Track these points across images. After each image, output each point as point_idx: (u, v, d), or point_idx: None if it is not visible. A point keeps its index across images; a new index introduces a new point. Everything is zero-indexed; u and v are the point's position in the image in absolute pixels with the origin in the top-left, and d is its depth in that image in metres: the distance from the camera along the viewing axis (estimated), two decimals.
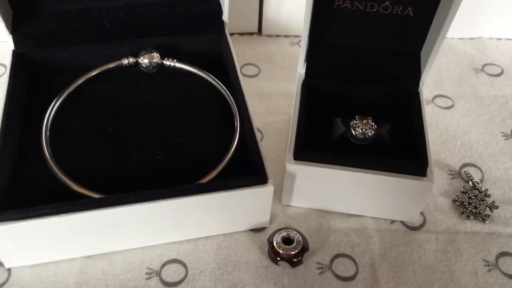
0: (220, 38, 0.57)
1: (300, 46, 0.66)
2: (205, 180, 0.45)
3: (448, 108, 0.61)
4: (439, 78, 0.64)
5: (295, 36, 0.69)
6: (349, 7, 0.51)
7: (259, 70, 0.64)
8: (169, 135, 0.50)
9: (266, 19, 0.68)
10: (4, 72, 0.62)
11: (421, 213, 0.50)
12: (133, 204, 0.42)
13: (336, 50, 0.54)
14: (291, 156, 0.47)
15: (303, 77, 0.53)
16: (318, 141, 0.50)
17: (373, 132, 0.48)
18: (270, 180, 0.45)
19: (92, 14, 0.56)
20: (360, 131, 0.48)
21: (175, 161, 0.49)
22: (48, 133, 0.48)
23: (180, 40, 0.57)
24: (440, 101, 0.62)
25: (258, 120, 0.56)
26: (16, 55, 0.53)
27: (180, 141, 0.50)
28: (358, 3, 0.50)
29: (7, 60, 0.53)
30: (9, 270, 0.44)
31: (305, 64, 0.53)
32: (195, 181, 0.45)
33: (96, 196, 0.43)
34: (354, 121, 0.49)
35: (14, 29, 0.54)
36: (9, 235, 0.41)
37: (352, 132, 0.49)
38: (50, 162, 0.46)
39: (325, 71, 0.53)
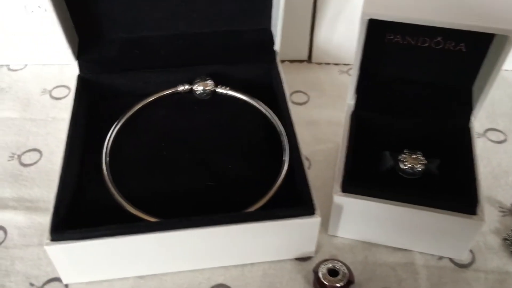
0: (271, 67, 0.59)
1: (349, 75, 0.68)
2: (254, 208, 0.46)
3: (500, 142, 0.60)
4: (492, 111, 0.63)
5: (345, 64, 0.70)
6: (400, 42, 0.51)
7: (308, 97, 0.65)
8: (219, 161, 0.52)
9: (316, 47, 0.69)
10: (68, 94, 0.65)
11: (470, 250, 0.50)
12: (186, 229, 0.43)
13: (387, 83, 0.54)
14: (338, 187, 0.47)
15: (352, 108, 0.54)
16: (366, 173, 0.50)
17: (422, 167, 0.48)
18: (317, 212, 0.45)
19: (150, 42, 0.59)
20: (409, 165, 0.48)
21: (224, 188, 0.50)
22: (108, 156, 0.51)
23: (233, 68, 0.59)
24: (492, 135, 0.61)
25: (305, 147, 0.57)
26: (81, 80, 0.57)
27: (230, 168, 0.52)
28: (410, 38, 0.51)
29: (71, 83, 0.57)
30: (66, 286, 0.47)
31: (355, 95, 0.54)
32: (243, 208, 0.46)
33: (151, 219, 0.45)
34: (403, 155, 0.49)
35: (79, 54, 0.58)
36: (68, 253, 0.43)
37: (400, 166, 0.49)
38: (109, 184, 0.48)
39: (374, 103, 0.53)
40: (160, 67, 0.58)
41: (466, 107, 0.52)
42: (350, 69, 0.68)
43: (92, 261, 0.45)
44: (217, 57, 0.59)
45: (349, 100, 0.55)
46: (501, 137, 0.60)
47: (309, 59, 0.70)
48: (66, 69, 0.68)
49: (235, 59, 0.59)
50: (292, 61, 0.70)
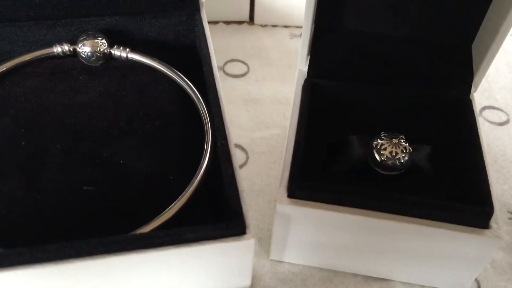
0: (192, 20, 0.42)
1: (300, 38, 0.52)
2: (149, 227, 0.29)
3: (502, 124, 0.45)
4: (487, 85, 0.48)
5: (297, 26, 0.54)
6: None
7: (248, 68, 0.49)
8: (107, 154, 0.35)
9: (259, 4, 0.52)
10: None
11: (476, 279, 0.34)
12: (31, 266, 0.26)
13: (353, 39, 0.38)
14: (284, 191, 0.31)
15: (305, 76, 0.38)
16: (324, 169, 0.34)
17: (406, 157, 0.33)
18: (249, 230, 0.29)
19: None
20: (388, 155, 0.32)
21: (110, 194, 0.33)
22: None
23: (137, 22, 0.42)
24: (490, 115, 0.46)
25: (242, 135, 0.41)
26: None
27: (122, 164, 0.34)
28: None
29: None
30: None
31: (308, 57, 0.38)
32: (139, 225, 0.30)
33: None
34: (379, 140, 0.33)
35: None
36: None
37: (375, 157, 0.33)
38: None
39: (336, 68, 0.37)
40: (31, 19, 0.40)
41: (465, 72, 0.37)
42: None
43: None
44: (113, 5, 0.41)
45: (301, 65, 0.39)
46: (503, 117, 0.45)
47: (251, 19, 0.54)
48: None
49: (139, 9, 0.42)
50: (228, 23, 0.54)
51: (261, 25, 0.54)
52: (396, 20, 0.38)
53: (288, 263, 0.35)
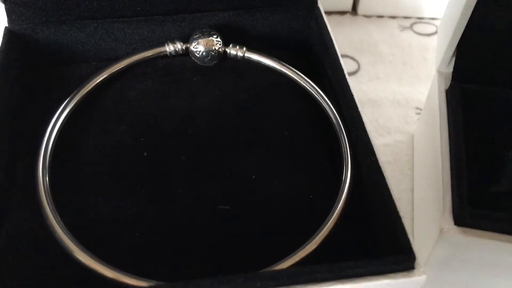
0: (312, 16, 0.38)
1: (415, 32, 0.47)
2: (296, 257, 0.26)
3: None
4: None
5: (405, 17, 0.49)
6: None
7: (359, 65, 0.45)
8: (236, 168, 0.32)
9: None
10: None
11: None
12: None
13: (506, 40, 0.33)
14: (449, 217, 0.27)
15: (447, 79, 0.34)
16: (482, 192, 0.30)
17: None
18: (418, 264, 0.25)
19: None
20: None
21: (246, 214, 0.30)
22: (49, 161, 0.30)
23: (252, 17, 0.38)
24: None
25: None
26: (9, 34, 0.35)
27: (254, 179, 0.31)
28: None
29: None
30: None
31: (453, 58, 0.34)
32: (279, 253, 0.27)
33: (134, 282, 0.25)
34: None
35: None
36: None
37: None
38: (49, 211, 0.28)
39: (489, 72, 0.33)
40: (138, 14, 0.37)
41: None
42: (415, 23, 0.48)
43: None
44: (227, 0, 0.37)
45: (441, 66, 0.34)
46: None
47: (354, 9, 0.49)
48: None
49: (254, 3, 0.38)
50: (329, 13, 0.49)
51: (365, 16, 0.50)
52: None
53: None
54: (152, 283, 0.25)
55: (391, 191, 0.28)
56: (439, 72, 0.35)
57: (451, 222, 0.27)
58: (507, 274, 0.29)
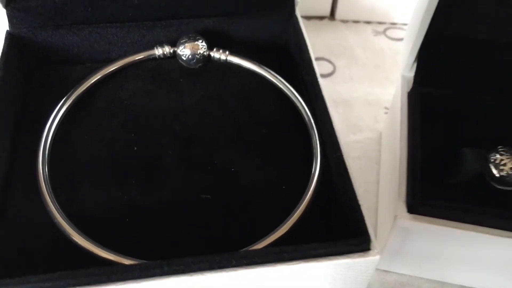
0: (289, 21, 0.42)
1: (388, 37, 0.50)
2: (270, 239, 0.30)
3: None
4: None
5: (379, 22, 0.53)
6: None
7: (334, 67, 0.48)
8: (218, 161, 0.35)
9: None
10: None
11: None
12: (168, 277, 0.27)
13: (462, 47, 0.37)
14: (403, 206, 0.31)
15: (409, 82, 0.37)
16: (437, 182, 0.34)
17: None
18: (373, 246, 0.29)
19: None
20: (509, 171, 0.32)
21: (225, 203, 0.33)
22: (48, 155, 0.33)
23: (235, 23, 0.41)
24: None
25: None
26: (10, 38, 0.39)
27: (234, 172, 0.35)
28: None
29: None
30: None
31: (415, 64, 0.37)
32: (253, 236, 0.30)
33: (123, 260, 0.28)
34: (498, 155, 0.33)
35: (8, 1, 0.39)
36: None
37: (493, 172, 0.32)
38: (48, 200, 0.31)
39: (446, 76, 0.37)
40: (129, 20, 0.40)
41: None
42: (388, 28, 0.51)
43: None
44: (212, 7, 0.41)
45: (405, 71, 0.38)
46: None
47: (332, 15, 0.53)
48: None
49: (237, 11, 0.41)
50: (308, 18, 0.53)
51: (342, 21, 0.53)
52: (508, 27, 0.37)
53: (395, 273, 0.35)
54: (141, 262, 0.28)
55: (353, 182, 0.31)
56: (403, 76, 0.38)
57: (404, 210, 0.31)
58: (455, 256, 0.33)
